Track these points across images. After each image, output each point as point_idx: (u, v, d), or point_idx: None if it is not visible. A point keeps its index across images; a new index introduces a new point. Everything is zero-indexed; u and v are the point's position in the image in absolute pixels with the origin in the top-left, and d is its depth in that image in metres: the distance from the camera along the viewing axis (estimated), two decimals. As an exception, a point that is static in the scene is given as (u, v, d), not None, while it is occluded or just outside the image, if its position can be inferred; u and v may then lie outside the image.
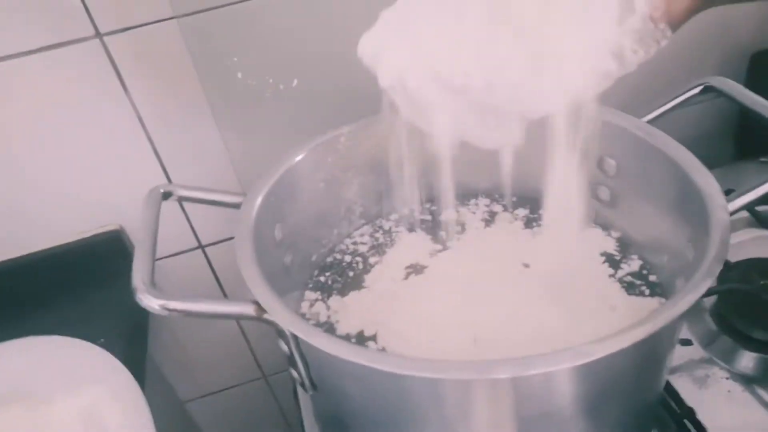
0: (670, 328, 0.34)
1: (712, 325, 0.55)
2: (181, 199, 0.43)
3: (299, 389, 0.55)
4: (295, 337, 0.36)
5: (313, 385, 0.39)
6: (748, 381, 0.52)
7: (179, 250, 0.67)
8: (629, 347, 0.29)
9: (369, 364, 0.29)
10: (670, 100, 0.45)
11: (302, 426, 0.53)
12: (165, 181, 0.60)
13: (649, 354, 0.35)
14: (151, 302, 0.33)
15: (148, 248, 0.36)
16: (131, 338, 0.58)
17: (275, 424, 0.91)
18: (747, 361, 0.54)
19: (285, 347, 0.37)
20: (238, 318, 0.34)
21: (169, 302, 0.34)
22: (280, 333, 0.36)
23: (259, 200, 0.42)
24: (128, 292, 0.61)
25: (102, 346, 0.52)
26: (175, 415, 0.81)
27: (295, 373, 0.39)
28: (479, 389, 0.31)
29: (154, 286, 0.34)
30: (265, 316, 0.35)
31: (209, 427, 0.87)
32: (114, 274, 0.62)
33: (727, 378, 0.53)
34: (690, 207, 0.39)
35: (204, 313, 0.34)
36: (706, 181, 0.38)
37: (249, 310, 0.34)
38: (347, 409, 0.37)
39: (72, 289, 0.62)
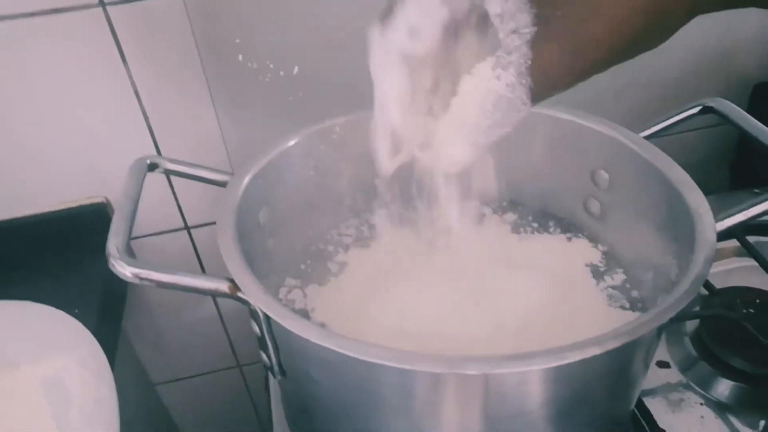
0: (645, 342, 0.34)
1: (691, 350, 0.55)
2: (167, 172, 0.42)
3: (271, 380, 0.54)
4: (267, 319, 0.35)
5: (282, 371, 0.38)
6: (722, 408, 0.51)
7: (164, 229, 0.67)
8: (602, 355, 0.29)
9: (340, 350, 0.29)
10: (668, 118, 0.45)
11: (270, 416, 0.52)
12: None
13: (623, 365, 0.34)
14: (124, 269, 0.33)
15: (126, 215, 0.36)
16: (106, 313, 0.58)
17: (245, 414, 0.90)
18: (723, 388, 0.53)
19: (257, 329, 0.36)
20: (211, 294, 0.33)
21: (143, 271, 0.33)
22: (253, 314, 0.35)
23: (246, 180, 0.42)
24: (107, 265, 0.61)
25: (75, 317, 0.51)
26: (144, 397, 0.80)
27: (264, 357, 0.38)
28: (448, 384, 0.31)
29: (129, 254, 0.34)
30: (239, 294, 0.34)
31: (178, 411, 0.86)
32: (96, 247, 0.61)
33: (701, 404, 0.52)
34: (679, 225, 0.39)
35: (177, 285, 0.33)
36: (697, 199, 0.38)
37: (223, 286, 0.34)
38: (315, 396, 0.37)
39: (51, 258, 0.61)
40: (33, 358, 0.45)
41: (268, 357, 0.37)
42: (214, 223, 0.67)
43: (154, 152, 0.60)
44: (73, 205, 0.61)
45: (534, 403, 0.33)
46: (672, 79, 0.62)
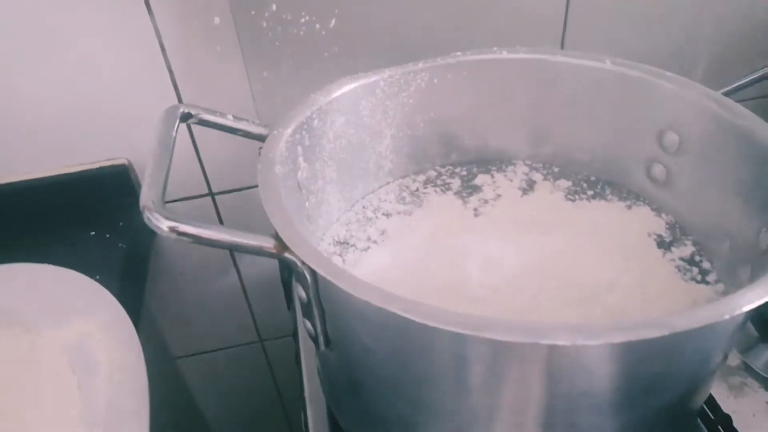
0: (741, 320, 0.30)
1: (752, 331, 0.51)
2: (201, 123, 0.38)
3: (303, 353, 0.51)
4: (316, 281, 0.32)
5: (327, 341, 0.35)
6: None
7: (188, 195, 0.63)
8: (707, 326, 0.25)
9: (407, 314, 0.25)
10: (746, 75, 0.41)
11: (302, 392, 0.49)
12: (181, 115, 0.56)
13: (715, 342, 0.30)
14: (160, 222, 0.29)
15: (161, 165, 0.32)
16: (128, 279, 0.55)
17: (266, 391, 0.87)
18: (788, 373, 0.50)
19: (302, 293, 0.33)
20: (254, 252, 0.30)
21: (180, 225, 0.29)
22: (299, 276, 0.32)
23: (288, 132, 0.38)
24: (130, 230, 0.58)
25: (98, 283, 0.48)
26: (164, 370, 0.77)
27: (309, 325, 0.35)
28: (526, 354, 0.27)
29: (164, 207, 0.30)
30: (286, 253, 0.31)
31: (197, 386, 0.83)
32: (117, 210, 0.59)
33: (764, 388, 0.49)
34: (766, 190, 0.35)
35: (217, 242, 0.30)
36: (792, 158, 0.34)
37: (268, 244, 0.30)
38: (367, 368, 0.33)
39: (71, 221, 0.58)
40: (54, 323, 0.42)
41: (314, 325, 0.34)
42: (239, 189, 0.65)
43: (180, 111, 0.57)
44: (93, 166, 0.58)
45: (608, 382, 0.29)
46: (745, 32, 0.57)
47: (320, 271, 0.28)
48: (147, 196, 0.30)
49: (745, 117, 0.38)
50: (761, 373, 0.50)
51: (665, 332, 0.24)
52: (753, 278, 0.37)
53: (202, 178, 0.63)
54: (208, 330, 0.78)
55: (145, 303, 0.68)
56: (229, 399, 0.86)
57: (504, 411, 0.31)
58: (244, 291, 0.75)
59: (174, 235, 0.29)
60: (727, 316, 0.26)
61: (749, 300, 0.26)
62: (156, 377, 0.70)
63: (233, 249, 0.30)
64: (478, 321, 0.25)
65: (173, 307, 0.74)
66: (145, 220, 0.30)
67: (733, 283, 0.40)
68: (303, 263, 0.30)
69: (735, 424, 0.44)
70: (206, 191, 0.64)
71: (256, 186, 0.61)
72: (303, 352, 0.51)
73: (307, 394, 0.48)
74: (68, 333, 0.41)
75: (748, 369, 0.50)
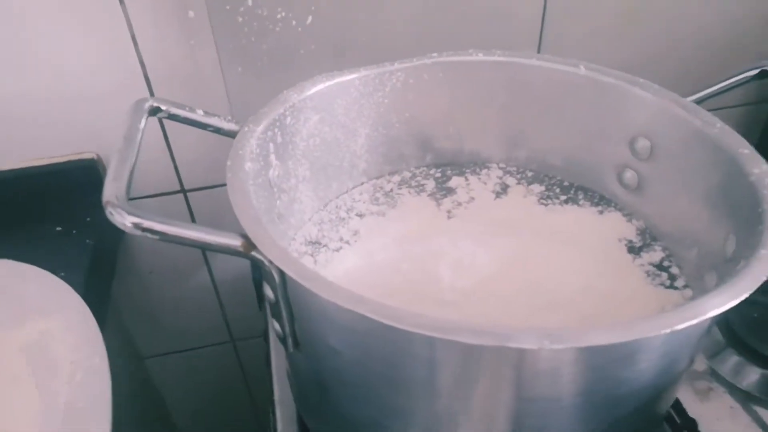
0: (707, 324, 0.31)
1: (719, 336, 0.52)
2: (171, 117, 0.37)
3: (273, 355, 0.51)
4: (284, 281, 0.31)
5: (296, 342, 0.34)
6: (752, 400, 0.49)
7: (158, 191, 0.62)
8: (673, 332, 0.25)
9: (376, 316, 0.25)
10: (721, 81, 0.41)
11: (272, 395, 0.48)
12: (152, 109, 0.55)
13: (682, 347, 0.31)
14: (123, 218, 0.28)
15: (125, 159, 0.31)
16: (94, 277, 0.53)
17: (236, 392, 0.86)
18: (753, 377, 0.51)
19: (270, 293, 0.32)
20: (222, 251, 0.29)
21: (144, 221, 0.29)
22: (267, 275, 0.31)
23: (259, 129, 0.37)
24: (97, 226, 0.57)
25: (62, 279, 0.47)
26: (132, 370, 0.75)
27: (277, 326, 0.34)
28: (495, 357, 0.27)
29: (128, 203, 0.29)
30: (253, 252, 0.30)
31: (167, 386, 0.82)
32: (84, 206, 0.57)
33: (729, 393, 0.50)
34: (736, 197, 0.36)
35: (184, 239, 0.29)
36: (760, 169, 0.34)
37: (236, 242, 0.30)
38: (334, 370, 0.33)
39: (36, 215, 0.56)
40: (14, 320, 0.41)
41: (282, 326, 0.33)
42: (212, 186, 0.64)
43: (151, 106, 0.55)
44: (61, 160, 0.56)
45: (575, 386, 0.29)
46: (723, 31, 0.58)
47: (288, 272, 0.28)
48: (110, 191, 0.29)
49: (714, 125, 0.38)
50: (727, 378, 0.50)
51: (632, 337, 0.24)
52: (719, 284, 0.37)
53: (174, 174, 0.61)
54: (178, 329, 0.76)
55: (113, 301, 0.66)
56: (199, 400, 0.85)
57: (472, 415, 0.31)
58: (216, 290, 0.73)
59: (138, 232, 0.28)
60: (693, 321, 0.26)
61: (714, 305, 0.26)
62: (122, 377, 0.69)
63: (200, 247, 0.29)
64: (446, 324, 0.25)
65: (142, 306, 0.72)
66: (108, 215, 0.29)
67: (700, 289, 0.40)
68: (270, 263, 0.30)
69: (700, 428, 0.45)
70: (178, 188, 0.63)
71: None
72: (273, 354, 0.51)
73: (276, 396, 0.48)
74: (28, 331, 0.40)
75: (714, 374, 0.51)
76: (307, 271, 0.28)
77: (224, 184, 0.61)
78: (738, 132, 0.37)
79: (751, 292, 0.27)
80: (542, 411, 0.30)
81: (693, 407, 0.47)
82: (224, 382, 0.84)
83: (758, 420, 0.48)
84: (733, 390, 0.50)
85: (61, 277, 0.47)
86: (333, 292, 0.27)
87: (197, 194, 0.63)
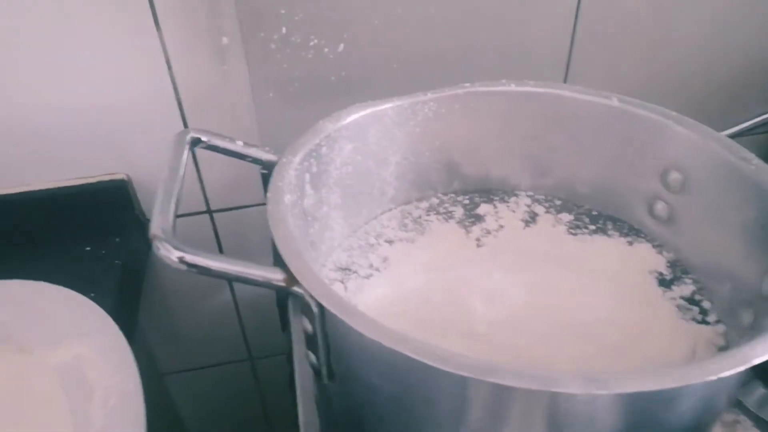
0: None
1: (747, 368, 0.51)
2: (211, 148, 0.38)
3: (299, 379, 0.51)
4: (323, 316, 0.31)
5: (331, 374, 0.34)
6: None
7: (185, 211, 0.63)
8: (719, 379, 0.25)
9: (420, 357, 0.25)
10: (757, 116, 0.41)
11: (296, 418, 0.48)
12: (184, 132, 0.55)
13: (723, 390, 0.30)
14: (169, 253, 0.29)
15: (171, 192, 0.32)
16: (123, 296, 0.54)
17: (253, 410, 0.86)
18: (781, 410, 0.50)
19: (308, 326, 0.32)
20: (263, 285, 0.29)
21: (188, 255, 0.29)
22: (305, 308, 0.32)
23: (297, 160, 0.38)
24: (126, 247, 0.57)
25: (91, 300, 0.47)
26: (152, 387, 0.76)
27: (312, 357, 0.34)
28: (536, 400, 0.27)
29: (175, 236, 0.30)
30: (295, 287, 0.30)
31: (183, 403, 0.82)
32: (113, 226, 0.58)
33: (756, 426, 0.49)
34: (771, 233, 0.36)
35: (225, 274, 0.30)
36: (797, 205, 0.34)
37: (278, 276, 0.30)
38: (371, 404, 0.33)
39: (67, 235, 0.57)
40: (48, 343, 0.42)
41: (317, 358, 0.34)
42: (238, 207, 0.65)
43: (182, 127, 0.56)
44: (92, 180, 0.57)
45: (611, 429, 0.29)
46: (752, 71, 0.58)
47: (331, 308, 0.28)
48: (157, 225, 0.30)
49: (750, 161, 0.38)
50: (753, 410, 0.50)
51: (677, 384, 0.24)
52: (756, 322, 0.37)
53: (201, 195, 0.62)
54: (197, 346, 0.77)
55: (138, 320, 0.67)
56: (215, 417, 0.85)
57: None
58: (237, 308, 0.74)
59: (184, 267, 0.29)
60: (740, 368, 0.26)
61: (762, 351, 0.26)
62: (145, 395, 0.69)
63: (242, 281, 0.30)
64: (490, 366, 0.25)
65: (163, 323, 0.73)
66: (155, 249, 0.29)
67: (733, 325, 0.40)
68: (311, 297, 0.30)
69: (730, 464, 0.45)
70: (204, 208, 0.63)
71: (255, 205, 0.61)
72: (298, 378, 0.51)
73: (301, 420, 0.47)
74: (62, 354, 0.40)
75: (740, 406, 0.50)
76: (350, 308, 0.28)
77: (249, 206, 0.63)
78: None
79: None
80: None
81: (722, 442, 0.47)
82: (240, 400, 0.84)
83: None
84: (760, 422, 0.49)
85: (91, 298, 0.48)
86: (376, 330, 0.27)
87: (222, 215, 0.64)
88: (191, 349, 0.77)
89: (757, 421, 0.49)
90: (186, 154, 0.36)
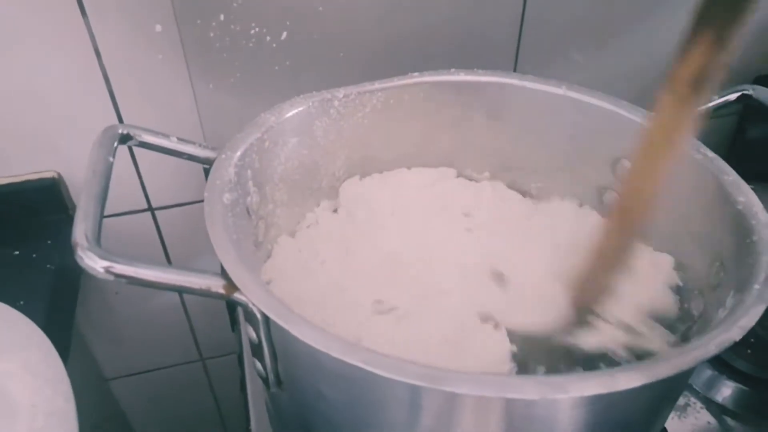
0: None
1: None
2: (142, 145, 0.35)
3: (249, 382, 0.49)
4: (268, 324, 0.30)
5: (279, 382, 0.33)
6: (726, 413, 0.49)
7: (125, 210, 0.59)
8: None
9: (370, 368, 0.24)
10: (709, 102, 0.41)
11: (247, 424, 0.47)
12: (118, 125, 0.52)
13: (677, 384, 0.30)
14: (94, 262, 0.26)
15: (96, 196, 0.29)
16: (57, 303, 0.50)
17: (207, 412, 0.84)
18: (726, 391, 0.51)
19: (252, 334, 0.30)
20: (201, 294, 0.27)
21: (116, 265, 0.27)
22: (249, 316, 0.30)
23: (237, 156, 0.36)
24: (59, 250, 0.54)
25: (21, 309, 0.44)
26: (96, 394, 0.72)
27: (259, 366, 0.32)
28: (490, 406, 0.26)
29: (99, 244, 0.27)
30: (236, 295, 0.28)
31: (133, 409, 0.79)
32: (45, 229, 0.54)
33: (706, 408, 0.50)
34: (721, 225, 0.36)
35: (158, 284, 0.27)
36: (747, 196, 0.34)
37: (217, 285, 0.28)
38: (320, 413, 0.31)
39: (-9, 240, 0.53)
40: (-31, 360, 0.38)
41: (264, 366, 0.32)
42: (182, 204, 0.62)
43: (116, 121, 0.53)
44: (18, 180, 0.53)
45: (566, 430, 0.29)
46: None
47: (274, 318, 0.26)
48: (80, 232, 0.27)
49: (697, 149, 0.38)
50: (701, 392, 0.51)
51: (641, 382, 0.23)
52: (705, 312, 0.37)
53: (141, 192, 0.59)
54: (143, 349, 0.73)
55: (75, 324, 0.63)
56: (167, 422, 0.82)
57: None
58: (185, 307, 0.71)
59: (111, 277, 0.26)
60: (691, 365, 0.25)
61: (714, 347, 0.26)
62: (86, 400, 0.66)
63: (178, 290, 0.28)
64: (442, 374, 0.24)
65: (105, 326, 0.69)
66: (77, 258, 0.27)
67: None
68: (254, 305, 0.28)
69: (681, 447, 0.45)
70: (145, 206, 0.60)
71: (200, 201, 0.58)
72: (249, 381, 0.49)
73: (253, 426, 0.46)
74: (-15, 372, 0.37)
75: (690, 389, 0.51)
76: (294, 317, 0.26)
77: (194, 202, 0.60)
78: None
79: (747, 331, 0.27)
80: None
81: (672, 425, 0.48)
82: (194, 403, 0.81)
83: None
84: (710, 404, 0.50)
85: (21, 305, 0.44)
86: (322, 340, 0.25)
87: (165, 212, 0.61)
88: (138, 353, 0.74)
89: (707, 402, 0.50)
90: (114, 151, 0.33)
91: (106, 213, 0.57)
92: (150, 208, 0.60)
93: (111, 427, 0.75)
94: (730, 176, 0.36)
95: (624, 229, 0.34)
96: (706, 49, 0.27)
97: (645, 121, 0.41)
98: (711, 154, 0.38)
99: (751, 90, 0.41)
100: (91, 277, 0.63)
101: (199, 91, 0.49)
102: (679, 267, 0.40)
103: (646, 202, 0.33)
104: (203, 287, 0.28)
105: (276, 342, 0.30)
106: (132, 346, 0.72)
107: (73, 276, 0.56)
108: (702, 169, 0.38)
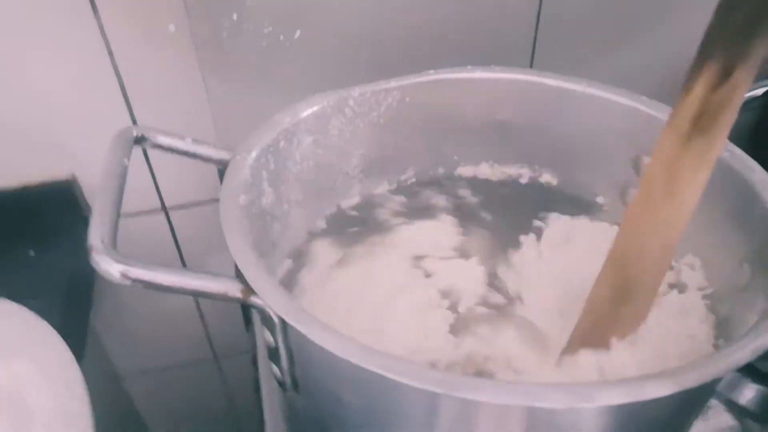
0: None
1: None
2: (157, 147, 0.35)
3: (264, 384, 0.48)
4: (285, 328, 0.29)
5: (296, 386, 0.32)
6: (750, 416, 0.48)
7: (138, 210, 0.59)
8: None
9: (391, 374, 0.23)
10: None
11: (262, 424, 0.46)
12: (132, 127, 0.52)
13: (706, 390, 0.29)
14: (110, 267, 0.26)
15: (111, 200, 0.29)
16: (72, 303, 0.50)
17: (221, 411, 0.84)
18: (749, 394, 0.50)
19: (270, 338, 0.30)
20: (218, 298, 0.27)
21: (132, 269, 0.26)
22: (266, 320, 0.29)
23: (252, 156, 0.35)
24: (74, 251, 0.54)
25: (36, 311, 0.44)
26: (109, 391, 0.72)
27: (276, 369, 0.32)
28: (514, 414, 0.25)
29: (115, 248, 0.27)
30: (252, 298, 0.28)
31: (146, 407, 0.79)
32: (60, 231, 0.54)
33: (729, 410, 0.49)
34: (749, 223, 0.35)
35: (175, 288, 0.27)
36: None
37: (234, 289, 0.28)
38: (335, 417, 0.31)
39: (8, 239, 0.53)
40: (-14, 363, 0.38)
41: (281, 370, 0.31)
42: (196, 204, 0.62)
43: (129, 122, 0.52)
44: (34, 182, 0.53)
45: None
46: None
47: (292, 323, 0.26)
48: (95, 236, 0.27)
49: (724, 146, 0.37)
50: (724, 394, 0.50)
51: (671, 391, 0.22)
52: (733, 312, 0.36)
53: (155, 191, 0.58)
54: (158, 347, 0.73)
55: (90, 323, 0.63)
56: (181, 420, 0.82)
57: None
58: (198, 306, 0.71)
59: (127, 282, 0.26)
60: (721, 373, 0.24)
61: (745, 356, 0.25)
62: (100, 400, 0.66)
63: (194, 295, 0.27)
64: (461, 381, 0.23)
65: (120, 325, 0.69)
66: (92, 263, 0.26)
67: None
68: (272, 309, 0.28)
69: (704, 452, 0.44)
70: (158, 205, 0.60)
71: (213, 200, 0.58)
72: (264, 383, 0.49)
73: (268, 429, 0.45)
74: (1, 375, 0.37)
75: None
76: (312, 321, 0.26)
77: (208, 201, 0.60)
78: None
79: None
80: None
81: (695, 427, 0.47)
82: (208, 402, 0.81)
83: (763, 436, 0.47)
84: (732, 407, 0.49)
85: (36, 307, 0.44)
86: (341, 346, 0.25)
87: (180, 212, 0.61)
88: (152, 351, 0.74)
89: (729, 404, 0.49)
90: (128, 153, 0.33)
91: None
92: (163, 208, 0.60)
93: (125, 426, 0.75)
94: (758, 174, 0.35)
95: (619, 286, 0.29)
96: (711, 82, 0.23)
97: (665, 117, 0.40)
98: (738, 151, 0.37)
99: (777, 86, 0.39)
100: (105, 278, 0.63)
101: (213, 92, 0.49)
102: (704, 266, 0.39)
103: (645, 260, 0.28)
104: (220, 292, 0.27)
105: (293, 346, 0.30)
106: (146, 345, 0.72)
107: (87, 277, 0.56)
108: (727, 166, 0.37)
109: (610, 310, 0.30)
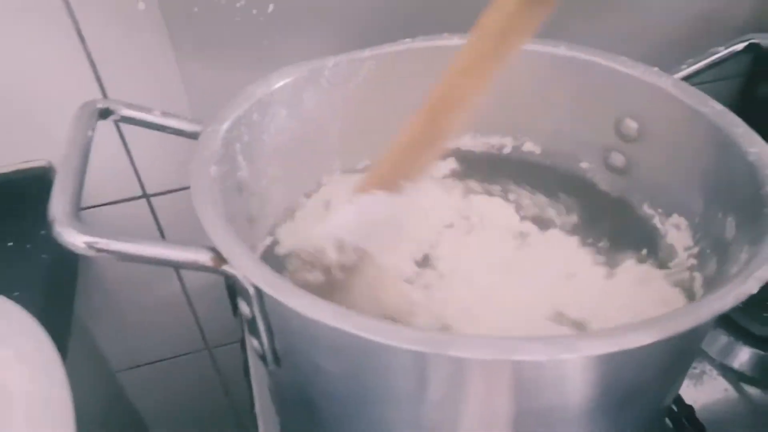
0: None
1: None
2: (123, 120, 0.34)
3: (252, 365, 0.48)
4: (260, 297, 0.28)
5: (277, 359, 0.32)
6: (744, 379, 0.48)
7: (117, 198, 0.58)
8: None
9: (366, 334, 0.22)
10: (707, 57, 0.40)
11: (252, 408, 0.46)
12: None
13: (691, 342, 0.29)
14: (74, 238, 0.25)
15: (73, 170, 0.28)
16: (54, 295, 0.49)
17: (216, 400, 0.83)
18: (744, 357, 0.50)
19: (246, 309, 0.29)
20: (189, 267, 0.26)
21: (99, 240, 0.25)
22: (241, 291, 0.29)
23: (224, 128, 0.34)
24: (54, 239, 0.53)
25: (16, 300, 0.43)
26: (103, 387, 0.72)
27: (255, 343, 0.31)
28: (497, 370, 0.25)
29: (79, 219, 0.26)
30: (225, 267, 0.27)
31: (142, 401, 0.78)
32: (38, 219, 0.53)
33: (722, 375, 0.49)
34: (732, 178, 0.34)
35: (144, 257, 0.26)
36: (759, 148, 0.33)
37: (204, 257, 0.27)
38: (321, 388, 0.30)
39: (-16, 232, 0.52)
40: (-37, 352, 0.37)
41: (260, 343, 0.31)
42: (178, 189, 0.61)
43: (105, 106, 0.51)
44: (9, 170, 0.52)
45: (580, 393, 0.27)
46: (705, 9, 0.56)
47: (264, 288, 0.25)
48: (56, 207, 0.26)
49: (705, 103, 0.37)
50: (717, 359, 0.50)
51: (654, 338, 0.22)
52: (720, 269, 0.36)
53: (135, 178, 0.57)
54: (149, 340, 0.73)
55: (77, 317, 0.62)
56: (177, 411, 0.81)
57: (468, 429, 0.28)
58: (187, 295, 0.70)
59: (93, 253, 0.25)
60: (704, 319, 0.24)
61: (729, 301, 0.24)
62: (93, 395, 0.65)
63: (165, 264, 0.26)
64: (442, 339, 0.23)
65: (109, 319, 0.68)
66: (55, 235, 0.25)
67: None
68: (245, 277, 0.27)
69: (697, 415, 0.44)
70: (140, 192, 0.59)
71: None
72: (252, 365, 0.48)
73: (258, 409, 0.45)
74: (-22, 362, 0.36)
75: (705, 356, 0.50)
76: (286, 287, 0.25)
77: (189, 187, 0.59)
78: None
79: (764, 282, 0.25)
80: (543, 421, 0.28)
81: (688, 393, 0.46)
82: (202, 391, 0.80)
83: (751, 401, 0.47)
84: (726, 371, 0.49)
85: (16, 297, 0.43)
86: (316, 309, 0.24)
87: (162, 198, 0.60)
88: (143, 344, 0.73)
89: (723, 369, 0.49)
90: (93, 126, 0.32)
91: (99, 202, 0.58)
92: (145, 195, 0.59)
93: (122, 419, 0.74)
94: (740, 128, 0.35)
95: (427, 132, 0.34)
96: None
97: (647, 77, 0.39)
98: (719, 107, 0.36)
99: (759, 38, 0.39)
100: (90, 268, 0.62)
101: (186, 68, 0.48)
102: (690, 225, 0.39)
103: (455, 111, 0.31)
104: (190, 260, 0.27)
105: (270, 316, 0.29)
106: (137, 337, 0.72)
107: (69, 265, 0.55)
108: (709, 122, 0.36)
109: (410, 156, 0.35)
